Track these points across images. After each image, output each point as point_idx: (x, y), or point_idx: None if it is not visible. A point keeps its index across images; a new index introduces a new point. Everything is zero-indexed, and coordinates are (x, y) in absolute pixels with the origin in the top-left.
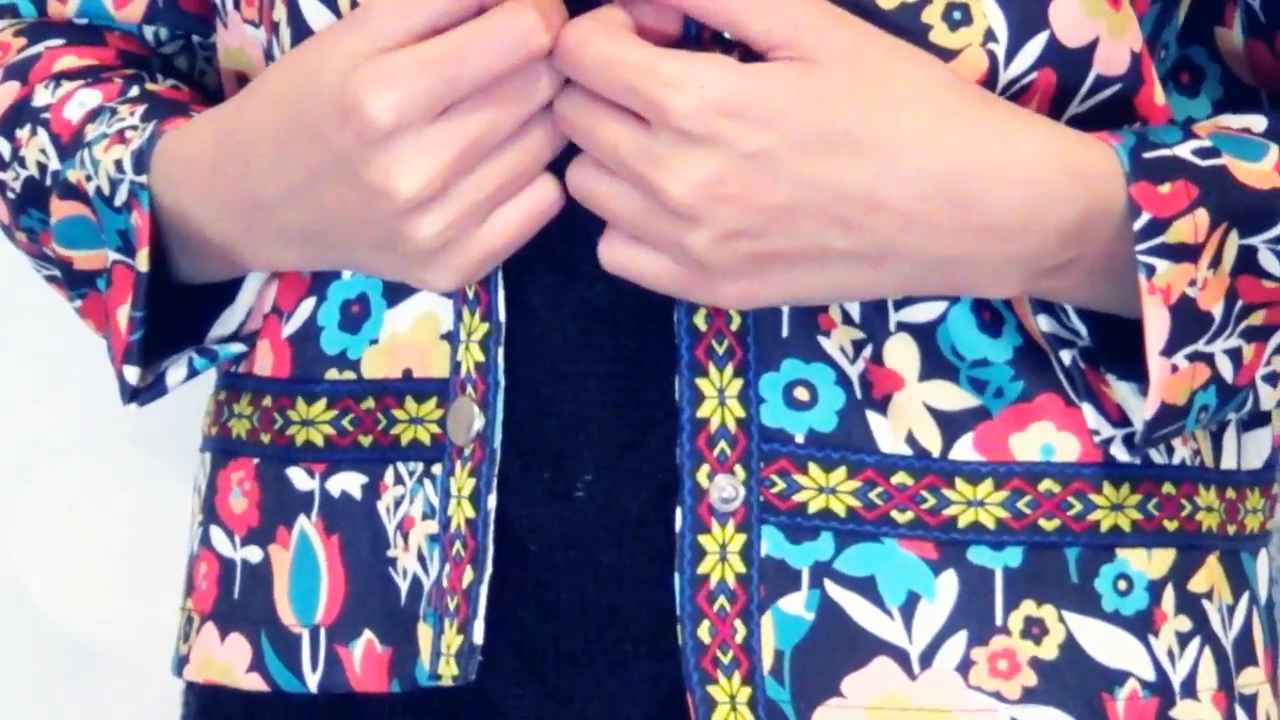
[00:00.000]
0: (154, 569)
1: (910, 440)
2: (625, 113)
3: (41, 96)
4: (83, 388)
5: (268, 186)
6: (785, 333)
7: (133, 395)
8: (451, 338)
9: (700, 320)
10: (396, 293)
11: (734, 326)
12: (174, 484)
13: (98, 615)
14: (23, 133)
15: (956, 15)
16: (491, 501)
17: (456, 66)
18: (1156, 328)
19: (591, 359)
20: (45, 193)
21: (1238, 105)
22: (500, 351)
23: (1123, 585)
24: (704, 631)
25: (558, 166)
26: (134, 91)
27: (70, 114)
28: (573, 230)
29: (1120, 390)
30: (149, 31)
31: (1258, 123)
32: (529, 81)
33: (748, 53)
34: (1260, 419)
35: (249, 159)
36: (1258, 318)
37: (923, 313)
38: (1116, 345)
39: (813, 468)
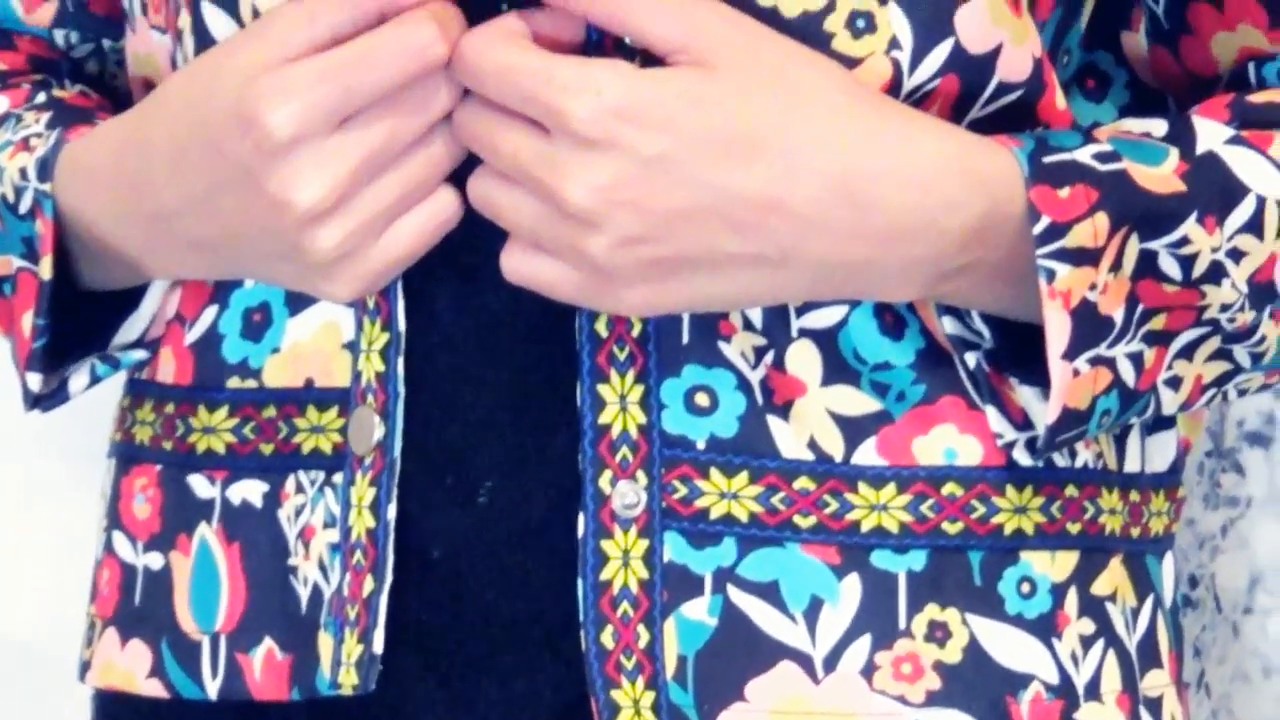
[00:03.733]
0: (78, 575)
1: (812, 445)
2: (524, 121)
3: None
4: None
5: (168, 195)
6: (686, 339)
7: (35, 402)
8: (353, 347)
9: (601, 326)
10: (298, 301)
11: (635, 333)
12: (94, 491)
13: (21, 620)
14: None
15: (860, 23)
16: (391, 511)
17: (355, 77)
18: (1057, 332)
19: (493, 365)
20: None
21: (1144, 110)
22: (400, 361)
23: (1026, 588)
24: (607, 637)
25: (459, 176)
26: (40, 98)
27: None
28: (474, 238)
29: (1023, 394)
30: (59, 35)
31: (1158, 127)
32: (428, 92)
33: (650, 58)
34: (1165, 422)
35: (150, 168)
36: (1159, 322)
37: (824, 318)
38: (1019, 348)
39: (714, 473)
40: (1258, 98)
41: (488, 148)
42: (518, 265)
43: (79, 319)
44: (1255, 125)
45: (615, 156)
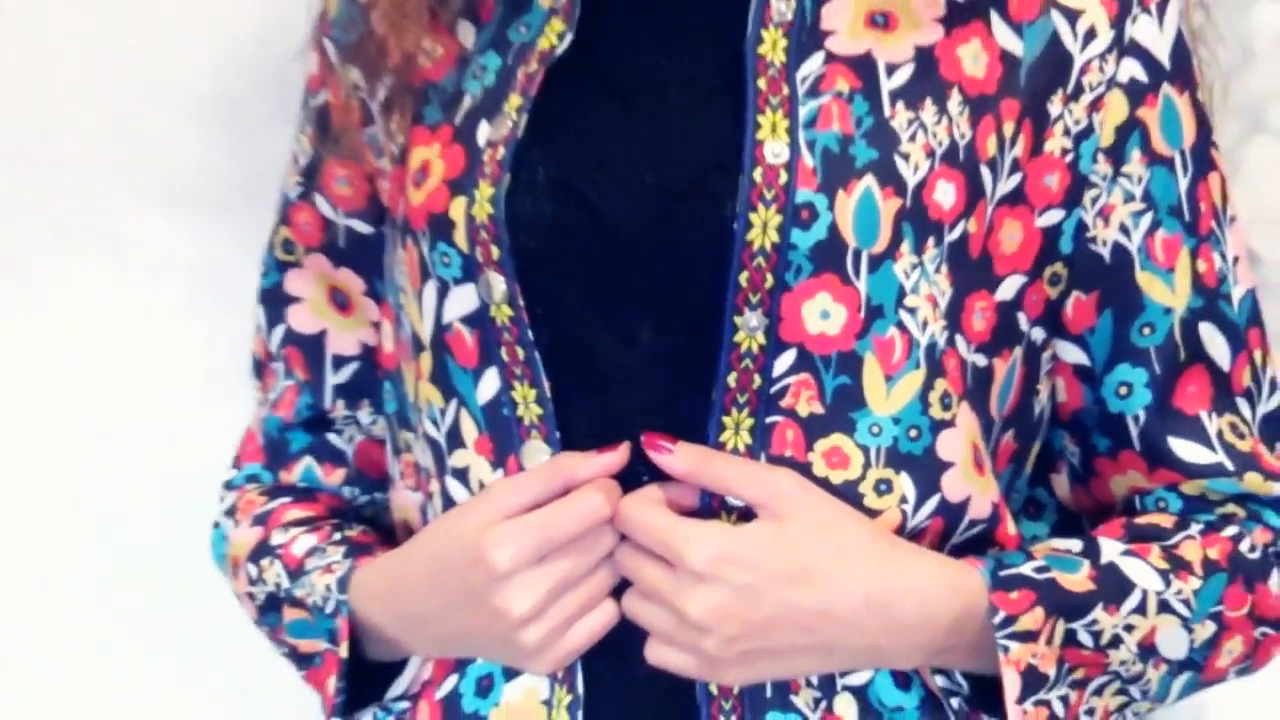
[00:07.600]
0: None
1: None
2: (658, 558)
3: (277, 538)
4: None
5: (424, 607)
6: (769, 694)
7: None
8: (548, 703)
9: (714, 688)
10: (512, 673)
11: (735, 691)
12: None
13: None
14: (265, 562)
15: (882, 487)
16: None
17: (551, 530)
18: (1011, 686)
19: (640, 714)
20: (280, 602)
21: (1068, 527)
22: (580, 713)
23: None
24: None
25: (617, 592)
26: (337, 536)
27: (296, 550)
28: (627, 635)
29: None
30: (347, 491)
31: (1075, 545)
32: (598, 538)
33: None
34: None
35: (412, 589)
36: (1079, 674)
37: (858, 678)
38: (987, 695)
39: None
40: (1141, 520)
41: (634, 575)
42: (655, 654)
43: (365, 682)
44: (1140, 540)
45: (719, 585)
